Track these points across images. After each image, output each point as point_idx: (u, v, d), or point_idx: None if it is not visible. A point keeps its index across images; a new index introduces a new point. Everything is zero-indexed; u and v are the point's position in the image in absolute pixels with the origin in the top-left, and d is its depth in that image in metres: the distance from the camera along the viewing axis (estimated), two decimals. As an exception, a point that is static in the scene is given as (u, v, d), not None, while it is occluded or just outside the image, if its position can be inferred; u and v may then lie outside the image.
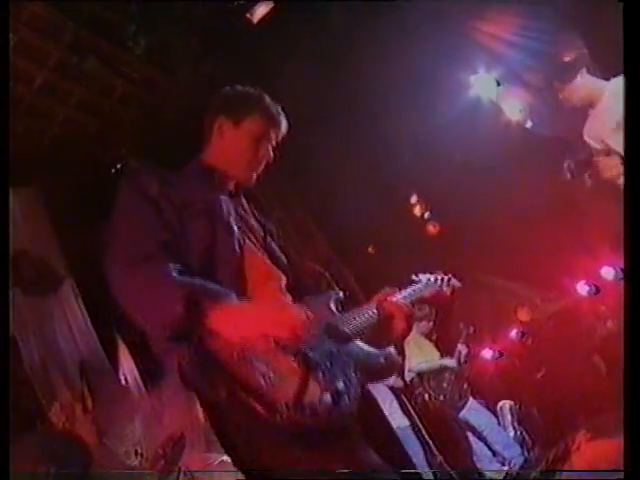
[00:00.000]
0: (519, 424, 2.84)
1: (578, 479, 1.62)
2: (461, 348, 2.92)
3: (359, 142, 3.36)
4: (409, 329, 1.12)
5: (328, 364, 0.93)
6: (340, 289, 1.22)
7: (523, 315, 3.21)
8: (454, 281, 1.36)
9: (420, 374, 2.82)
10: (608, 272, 2.88)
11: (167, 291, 0.92)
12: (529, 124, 3.24)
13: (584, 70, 2.10)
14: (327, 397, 0.86)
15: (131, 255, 0.97)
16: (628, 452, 0.80)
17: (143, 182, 1.09)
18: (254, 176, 1.25)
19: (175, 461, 1.25)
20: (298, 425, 0.83)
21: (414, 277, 1.30)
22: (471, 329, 3.03)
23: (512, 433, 2.81)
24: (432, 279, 1.32)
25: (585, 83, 2.09)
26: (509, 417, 2.86)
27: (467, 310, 3.17)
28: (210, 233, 1.08)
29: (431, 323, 3.06)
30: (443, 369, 2.86)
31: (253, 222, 1.24)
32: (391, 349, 1.09)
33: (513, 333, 3.17)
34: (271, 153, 1.25)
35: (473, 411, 2.81)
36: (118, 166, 2.39)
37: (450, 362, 2.90)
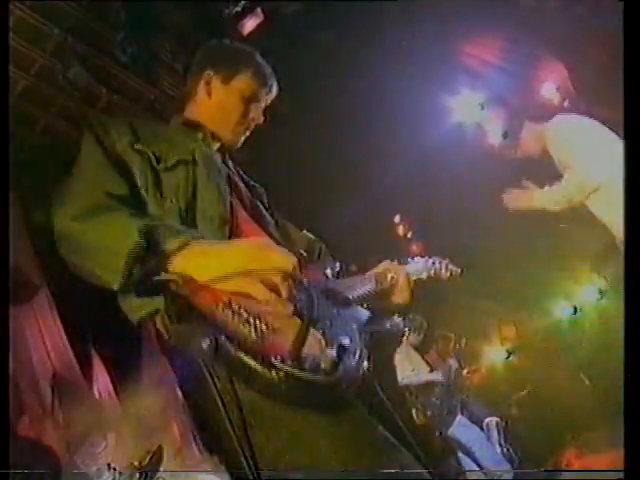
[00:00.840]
0: (506, 441, 2.83)
1: (578, 479, 1.60)
2: (452, 363, 2.90)
3: (343, 162, 3.37)
4: (410, 297, 1.08)
5: (328, 323, 0.80)
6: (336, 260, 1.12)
7: (508, 332, 3.24)
8: (452, 266, 1.33)
9: (408, 387, 2.79)
10: (588, 292, 2.94)
11: (120, 233, 0.80)
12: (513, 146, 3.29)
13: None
14: (331, 352, 0.73)
15: (79, 209, 0.86)
16: (628, 452, 0.80)
17: (110, 136, 0.98)
18: (241, 139, 1.17)
19: (152, 474, 1.19)
20: (297, 384, 0.69)
21: (410, 260, 1.26)
22: (463, 342, 3.02)
23: (499, 450, 2.78)
24: (430, 261, 1.29)
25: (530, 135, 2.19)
26: (495, 434, 2.84)
27: (451, 328, 3.17)
28: (188, 184, 0.97)
29: (421, 336, 3.04)
30: (431, 383, 2.84)
31: (239, 182, 1.13)
32: (396, 317, 1.02)
33: (497, 351, 3.18)
34: (261, 116, 1.17)
35: (462, 427, 2.76)
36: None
37: (439, 376, 2.88)
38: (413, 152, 3.42)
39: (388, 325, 0.95)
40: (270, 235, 1.03)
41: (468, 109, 3.09)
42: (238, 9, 1.84)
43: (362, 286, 1.02)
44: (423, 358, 3.04)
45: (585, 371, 2.82)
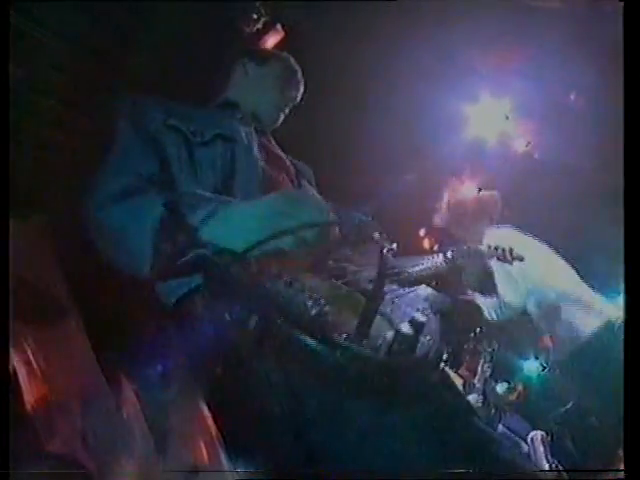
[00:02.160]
0: (553, 456, 2.69)
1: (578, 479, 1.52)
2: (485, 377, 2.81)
3: (358, 175, 3.35)
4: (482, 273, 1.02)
5: (396, 300, 0.67)
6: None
7: (548, 342, 3.13)
8: (516, 252, 1.27)
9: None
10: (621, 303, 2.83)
11: (144, 213, 0.73)
12: (537, 155, 3.25)
13: None
14: (406, 327, 0.58)
15: (111, 193, 0.81)
16: (628, 452, 0.77)
17: (144, 115, 0.95)
18: (279, 118, 1.15)
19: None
20: (368, 366, 0.54)
21: (471, 245, 1.22)
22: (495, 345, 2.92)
23: (547, 465, 2.64)
24: (493, 246, 1.24)
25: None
26: (541, 449, 2.70)
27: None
28: (226, 161, 0.91)
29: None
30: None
31: (283, 157, 1.07)
32: (472, 294, 0.93)
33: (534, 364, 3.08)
34: (297, 97, 1.16)
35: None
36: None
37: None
38: (434, 164, 3.39)
39: (463, 305, 0.83)
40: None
41: (492, 119, 3.08)
42: (259, 27, 1.88)
43: (428, 264, 0.94)
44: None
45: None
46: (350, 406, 0.59)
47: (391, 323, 0.62)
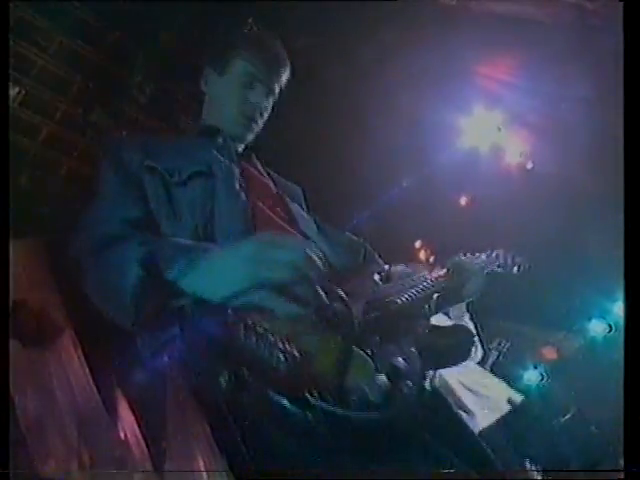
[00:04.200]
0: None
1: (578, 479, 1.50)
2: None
3: (353, 185, 3.36)
4: (479, 288, 1.00)
5: (377, 339, 0.64)
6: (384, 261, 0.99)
7: (550, 354, 3.11)
8: (519, 259, 1.23)
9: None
10: (621, 308, 2.83)
11: (124, 266, 0.71)
12: (530, 165, 3.28)
13: None
14: (381, 379, 0.57)
15: (96, 240, 0.80)
16: (628, 452, 0.77)
17: (124, 156, 0.92)
18: (245, 130, 1.06)
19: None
20: (340, 424, 0.53)
21: (470, 255, 1.18)
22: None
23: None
24: (494, 254, 1.20)
25: None
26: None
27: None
28: (206, 199, 0.87)
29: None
30: None
31: (269, 184, 1.02)
32: (464, 322, 0.90)
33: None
34: (264, 100, 1.05)
35: None
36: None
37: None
38: (430, 177, 3.41)
39: (454, 335, 0.77)
40: (309, 237, 0.94)
41: (485, 130, 3.10)
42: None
43: (419, 286, 0.87)
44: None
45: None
46: (324, 463, 0.57)
47: (370, 370, 0.60)
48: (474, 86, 2.77)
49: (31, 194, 2.73)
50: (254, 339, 0.60)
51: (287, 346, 0.59)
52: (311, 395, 0.55)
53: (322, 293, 0.66)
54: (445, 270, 1.00)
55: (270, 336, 0.60)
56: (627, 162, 1.01)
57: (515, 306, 3.20)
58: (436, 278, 0.95)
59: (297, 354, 0.58)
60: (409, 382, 0.61)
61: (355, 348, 0.60)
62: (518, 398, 2.50)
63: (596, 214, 2.88)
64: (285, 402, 0.55)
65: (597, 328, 3.02)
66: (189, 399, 0.81)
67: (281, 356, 0.58)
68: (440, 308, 0.92)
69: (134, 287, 0.70)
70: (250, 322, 0.61)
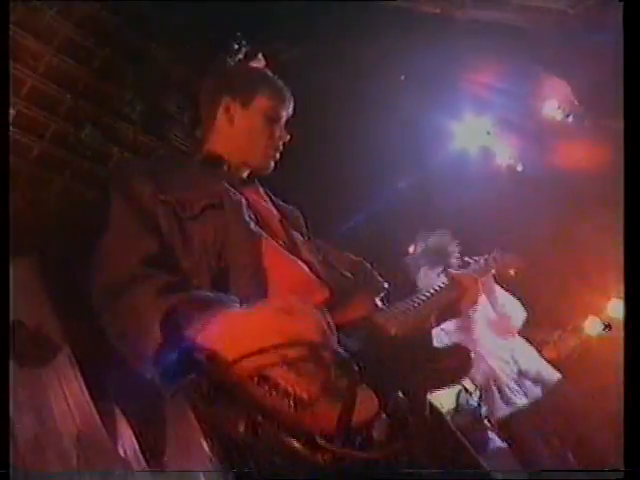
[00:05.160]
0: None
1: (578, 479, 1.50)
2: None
3: (343, 188, 3.36)
4: (476, 300, 1.00)
5: (378, 373, 0.70)
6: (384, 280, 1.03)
7: (550, 353, 3.14)
8: (516, 260, 1.24)
9: None
10: (615, 306, 2.86)
11: (146, 314, 0.76)
12: (520, 167, 3.31)
13: None
14: (382, 417, 0.63)
15: (114, 280, 0.82)
16: (628, 452, 0.78)
17: (134, 190, 0.93)
18: (272, 162, 1.11)
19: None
20: (348, 462, 0.59)
21: (468, 259, 1.19)
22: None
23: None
24: (491, 258, 1.21)
25: None
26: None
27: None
28: (217, 233, 0.91)
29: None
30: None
31: (272, 210, 1.06)
32: (461, 341, 0.93)
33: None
34: (285, 133, 1.11)
35: None
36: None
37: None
38: (422, 182, 3.43)
39: (451, 357, 0.80)
40: (309, 264, 0.96)
41: (474, 135, 3.13)
42: (241, 56, 1.91)
43: (416, 304, 0.92)
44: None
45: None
46: None
47: (374, 411, 0.64)
48: (462, 91, 2.81)
49: (23, 213, 2.73)
50: (266, 387, 0.66)
51: (296, 391, 0.65)
52: (320, 437, 0.60)
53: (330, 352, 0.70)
54: (440, 284, 1.01)
55: (281, 382, 0.66)
56: (627, 162, 1.02)
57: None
58: (432, 294, 0.96)
59: (305, 398, 0.64)
60: (411, 416, 0.66)
61: (359, 389, 0.64)
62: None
63: (589, 213, 2.91)
64: (296, 444, 0.61)
65: (593, 327, 3.03)
66: (190, 415, 0.82)
67: (291, 402, 0.64)
68: (439, 323, 0.95)
69: (154, 350, 0.74)
70: (263, 371, 0.68)
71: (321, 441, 0.60)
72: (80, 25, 2.26)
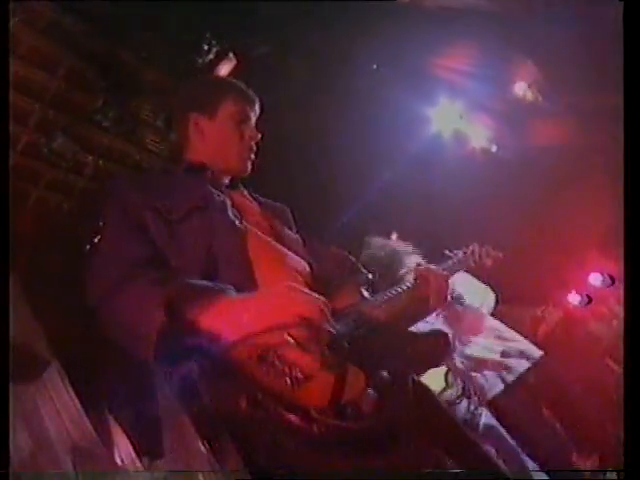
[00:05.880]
0: None
1: (577, 479, 1.54)
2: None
3: (322, 177, 3.37)
4: (446, 301, 1.04)
5: (365, 354, 0.76)
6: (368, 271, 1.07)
7: (537, 328, 3.19)
8: (493, 252, 1.28)
9: None
10: (596, 278, 2.92)
11: (147, 304, 0.79)
12: (494, 149, 3.36)
13: None
14: (371, 392, 0.71)
15: (112, 281, 0.86)
16: (628, 452, 0.80)
17: (126, 198, 0.98)
18: (249, 163, 1.15)
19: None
20: (339, 432, 0.66)
21: (448, 252, 1.23)
22: None
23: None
24: (469, 251, 1.25)
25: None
26: None
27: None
28: (205, 233, 0.95)
29: None
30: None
31: (257, 209, 1.11)
32: (440, 326, 0.98)
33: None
34: (256, 132, 1.15)
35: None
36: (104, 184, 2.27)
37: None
38: (399, 169, 3.45)
39: (430, 342, 0.86)
40: (297, 254, 1.01)
41: (447, 119, 3.17)
42: (211, 57, 1.90)
43: (396, 295, 0.98)
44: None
45: (611, 357, 2.73)
46: (323, 463, 0.69)
47: (362, 382, 0.70)
48: (433, 78, 2.83)
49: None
50: (264, 367, 0.72)
51: (292, 370, 0.70)
52: (314, 411, 0.67)
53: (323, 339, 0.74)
54: (412, 280, 1.04)
55: (278, 363, 0.72)
56: (627, 154, 1.04)
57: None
58: (406, 289, 1.01)
59: (301, 376, 0.70)
60: (395, 391, 0.73)
61: (349, 366, 0.71)
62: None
63: (567, 190, 2.97)
64: (293, 418, 0.67)
65: (575, 300, 3.10)
66: (186, 419, 0.84)
67: (287, 380, 0.70)
68: (414, 322, 0.99)
69: (158, 332, 0.76)
70: (260, 352, 0.73)
71: (315, 414, 0.67)
72: (44, 32, 2.21)
